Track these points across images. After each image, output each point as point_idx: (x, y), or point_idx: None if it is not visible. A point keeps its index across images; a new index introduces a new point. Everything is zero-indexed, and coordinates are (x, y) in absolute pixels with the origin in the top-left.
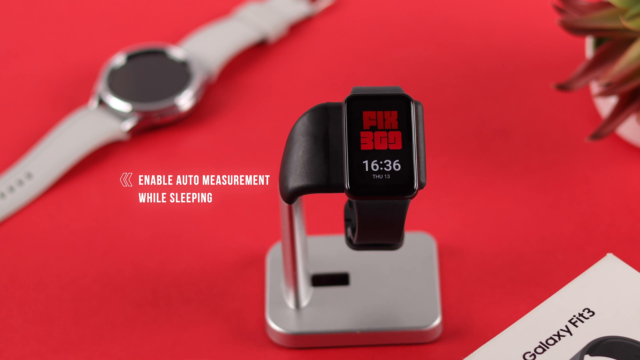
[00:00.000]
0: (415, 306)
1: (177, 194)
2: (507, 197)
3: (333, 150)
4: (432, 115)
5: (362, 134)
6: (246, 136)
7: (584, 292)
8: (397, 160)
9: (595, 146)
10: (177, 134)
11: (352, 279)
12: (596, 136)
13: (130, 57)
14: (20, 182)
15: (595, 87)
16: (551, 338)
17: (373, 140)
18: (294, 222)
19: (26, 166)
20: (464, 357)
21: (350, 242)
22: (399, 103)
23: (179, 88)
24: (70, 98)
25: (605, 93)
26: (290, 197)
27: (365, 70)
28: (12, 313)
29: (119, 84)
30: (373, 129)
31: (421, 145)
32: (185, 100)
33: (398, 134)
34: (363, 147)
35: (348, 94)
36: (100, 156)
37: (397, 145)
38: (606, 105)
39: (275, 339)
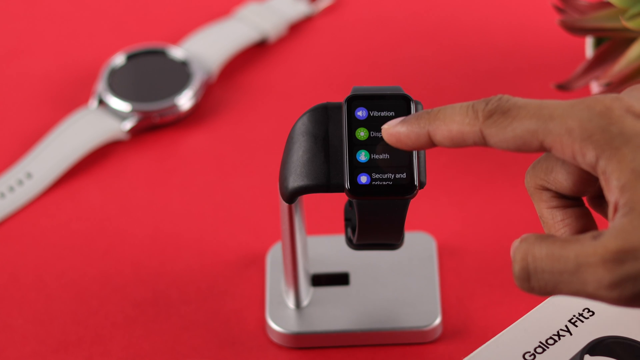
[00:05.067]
0: (415, 306)
1: (177, 194)
2: (507, 197)
3: (333, 150)
4: None
5: None
6: (246, 136)
7: None
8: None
9: None
10: (177, 133)
11: (352, 278)
12: None
13: (130, 57)
14: (20, 182)
15: (595, 87)
16: (551, 338)
17: None
18: (294, 222)
19: (26, 166)
20: (464, 357)
21: (350, 242)
22: (399, 103)
23: (179, 88)
24: (70, 98)
25: (605, 93)
26: (290, 197)
27: (365, 70)
28: (12, 313)
29: (119, 84)
30: None
31: None
32: (185, 100)
33: None
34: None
35: (348, 94)
36: (100, 156)
37: None
38: None
39: (275, 339)
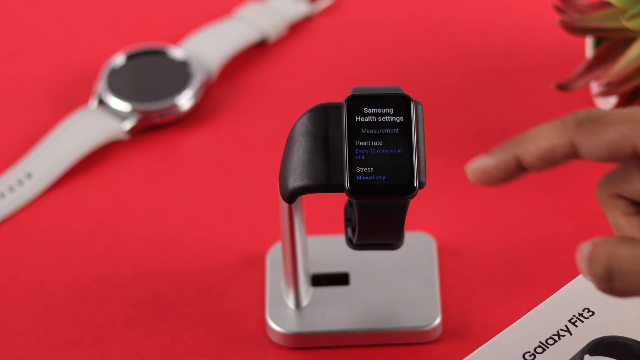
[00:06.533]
0: (415, 306)
1: (177, 194)
2: (507, 197)
3: (333, 150)
4: (432, 115)
5: None
6: (246, 136)
7: (584, 292)
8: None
9: None
10: (177, 133)
11: (352, 278)
12: None
13: (130, 57)
14: (20, 182)
15: (595, 87)
16: (551, 338)
17: None
18: (294, 222)
19: (26, 166)
20: (464, 357)
21: (350, 242)
22: (398, 103)
23: (179, 88)
24: (70, 98)
25: (605, 93)
26: (290, 197)
27: (365, 70)
28: (12, 313)
29: (119, 84)
30: None
31: (421, 145)
32: (185, 100)
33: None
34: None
35: (348, 94)
36: (100, 156)
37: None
38: (606, 105)
39: (275, 339)
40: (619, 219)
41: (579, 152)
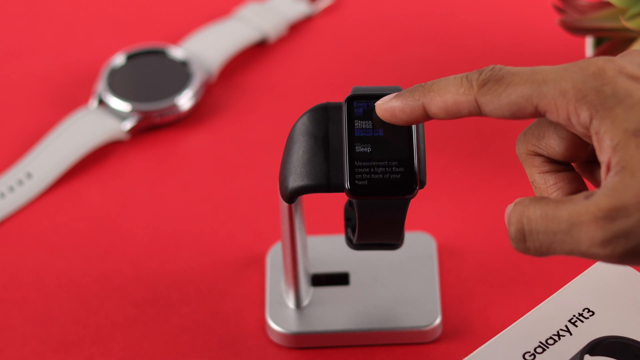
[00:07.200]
0: (415, 306)
1: (177, 194)
2: (507, 197)
3: (333, 150)
4: None
5: None
6: (246, 136)
7: (584, 292)
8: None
9: None
10: (177, 133)
11: (352, 278)
12: None
13: (130, 57)
14: (20, 182)
15: None
16: (551, 338)
17: None
18: (294, 222)
19: (26, 166)
20: (464, 357)
21: (350, 242)
22: None
23: (179, 88)
24: (70, 98)
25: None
26: (290, 197)
27: (365, 70)
28: (12, 313)
29: (119, 83)
30: None
31: (421, 145)
32: (185, 100)
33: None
34: None
35: (348, 94)
36: (100, 156)
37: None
38: None
39: (275, 339)
40: (535, 176)
41: (482, 111)
